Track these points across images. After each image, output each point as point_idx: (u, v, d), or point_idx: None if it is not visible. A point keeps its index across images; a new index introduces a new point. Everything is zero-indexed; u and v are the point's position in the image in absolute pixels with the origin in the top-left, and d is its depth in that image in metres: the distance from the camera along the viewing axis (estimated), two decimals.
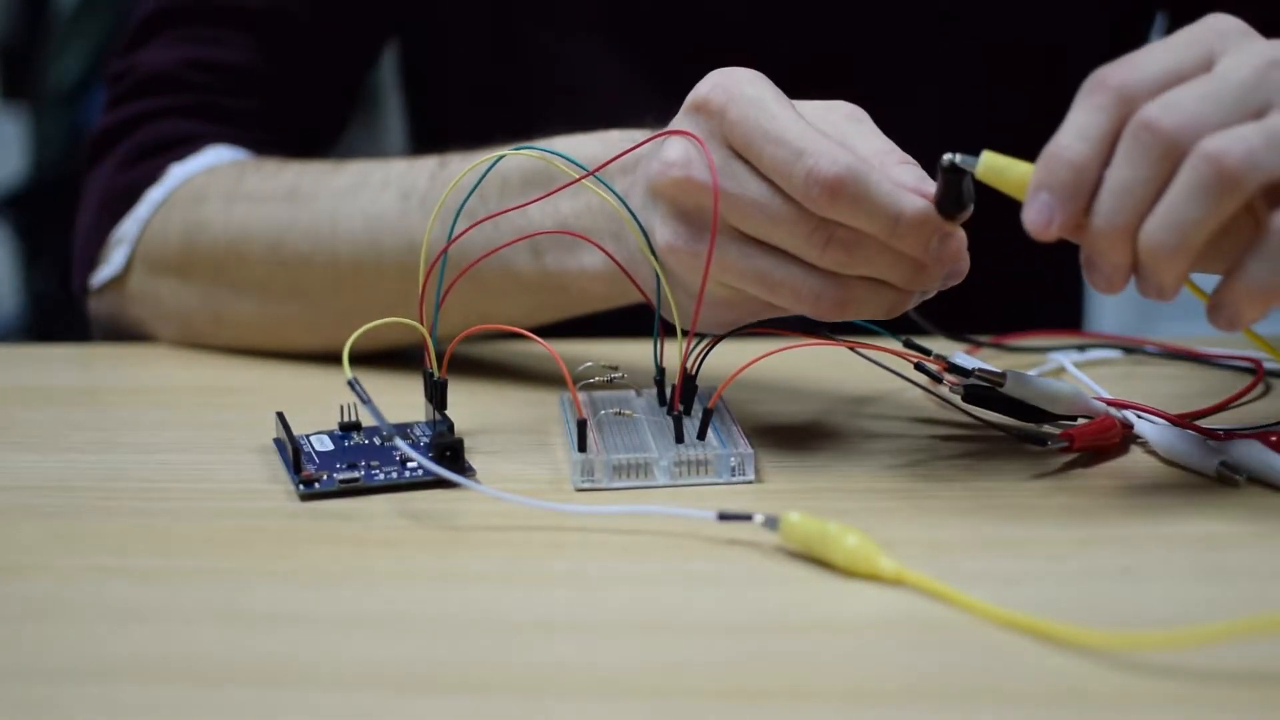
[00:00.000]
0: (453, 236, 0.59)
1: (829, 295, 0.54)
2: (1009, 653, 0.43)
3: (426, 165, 0.70)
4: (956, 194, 0.52)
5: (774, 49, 0.60)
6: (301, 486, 0.55)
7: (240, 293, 0.75)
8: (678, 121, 0.57)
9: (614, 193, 0.58)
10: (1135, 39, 0.86)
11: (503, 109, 0.89)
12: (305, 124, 0.87)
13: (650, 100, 0.61)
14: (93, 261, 0.81)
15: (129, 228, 0.79)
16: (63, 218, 0.92)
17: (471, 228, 0.61)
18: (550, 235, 0.64)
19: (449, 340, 0.59)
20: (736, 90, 0.55)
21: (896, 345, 0.60)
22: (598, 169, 0.58)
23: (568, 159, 0.58)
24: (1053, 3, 0.83)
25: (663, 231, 0.57)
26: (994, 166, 0.52)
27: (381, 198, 0.71)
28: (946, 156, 0.52)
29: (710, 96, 0.55)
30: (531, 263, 0.66)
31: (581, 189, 0.60)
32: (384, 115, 1.68)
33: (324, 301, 0.73)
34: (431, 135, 0.97)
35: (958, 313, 0.71)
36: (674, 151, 0.56)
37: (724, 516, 0.50)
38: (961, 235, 0.54)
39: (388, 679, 0.42)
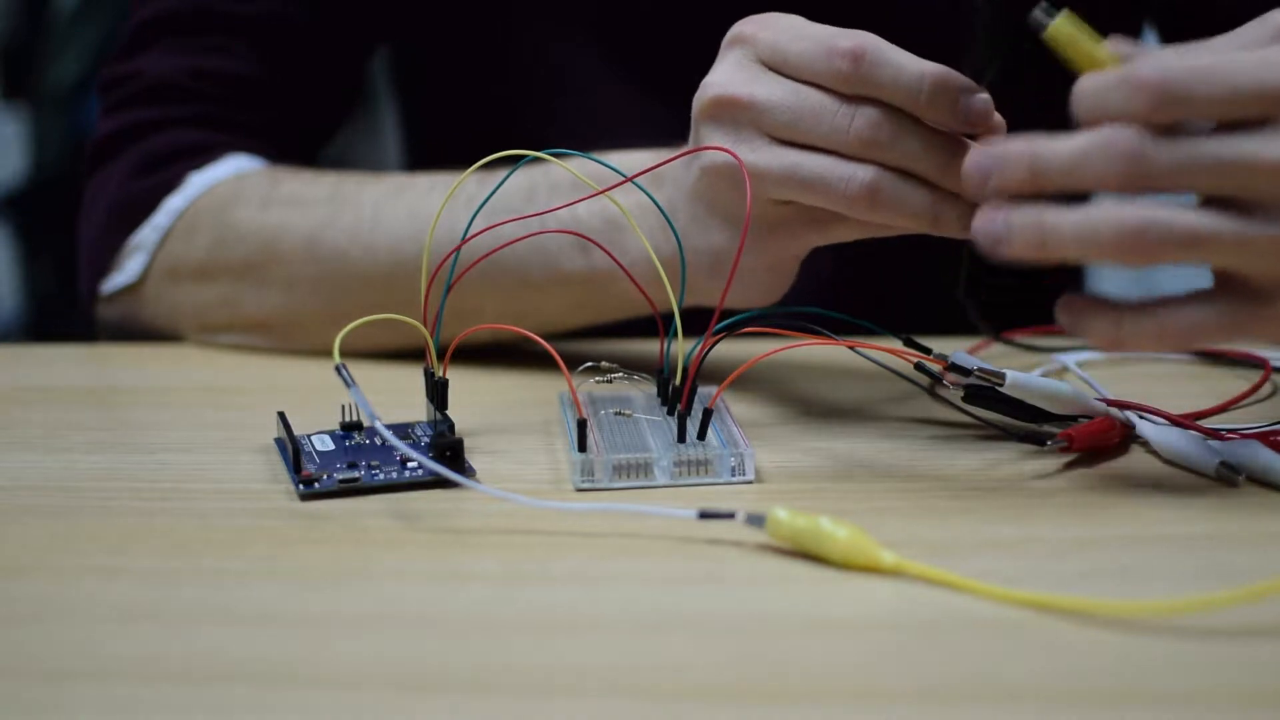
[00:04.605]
0: (466, 236, 0.60)
1: (859, 179, 0.56)
2: (1013, 647, 0.43)
3: (474, 172, 0.70)
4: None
5: None
6: (301, 486, 0.55)
7: (265, 289, 0.76)
8: (718, 61, 0.60)
9: (652, 199, 0.60)
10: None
11: (495, 110, 0.89)
12: (306, 127, 0.87)
13: (641, 101, 0.62)
14: (103, 268, 0.81)
15: (147, 235, 0.79)
16: (63, 218, 0.92)
17: (490, 228, 0.61)
18: (599, 234, 0.66)
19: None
20: (769, 18, 0.59)
21: (896, 345, 0.60)
22: (641, 173, 0.60)
23: (610, 166, 0.60)
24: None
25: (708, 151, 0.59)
26: (1067, 31, 0.51)
27: (429, 197, 0.73)
28: None
29: (743, 27, 0.59)
30: (580, 259, 0.68)
31: (627, 193, 0.61)
32: (380, 115, 1.68)
33: (353, 296, 0.74)
34: (425, 135, 0.97)
35: (957, 309, 0.71)
36: (714, 75, 0.59)
37: (705, 515, 0.50)
38: (987, 97, 0.56)
39: (388, 679, 0.42)
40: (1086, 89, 0.49)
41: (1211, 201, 0.48)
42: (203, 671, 0.42)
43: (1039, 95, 0.66)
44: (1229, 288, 0.49)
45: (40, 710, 0.40)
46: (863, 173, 0.56)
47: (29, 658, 0.43)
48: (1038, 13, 0.50)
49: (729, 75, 0.59)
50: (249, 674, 0.42)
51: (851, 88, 0.56)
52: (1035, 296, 0.71)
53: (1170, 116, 0.47)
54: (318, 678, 0.42)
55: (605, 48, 0.85)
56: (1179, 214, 0.47)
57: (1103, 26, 0.49)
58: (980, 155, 0.50)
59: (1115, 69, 0.49)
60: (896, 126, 0.56)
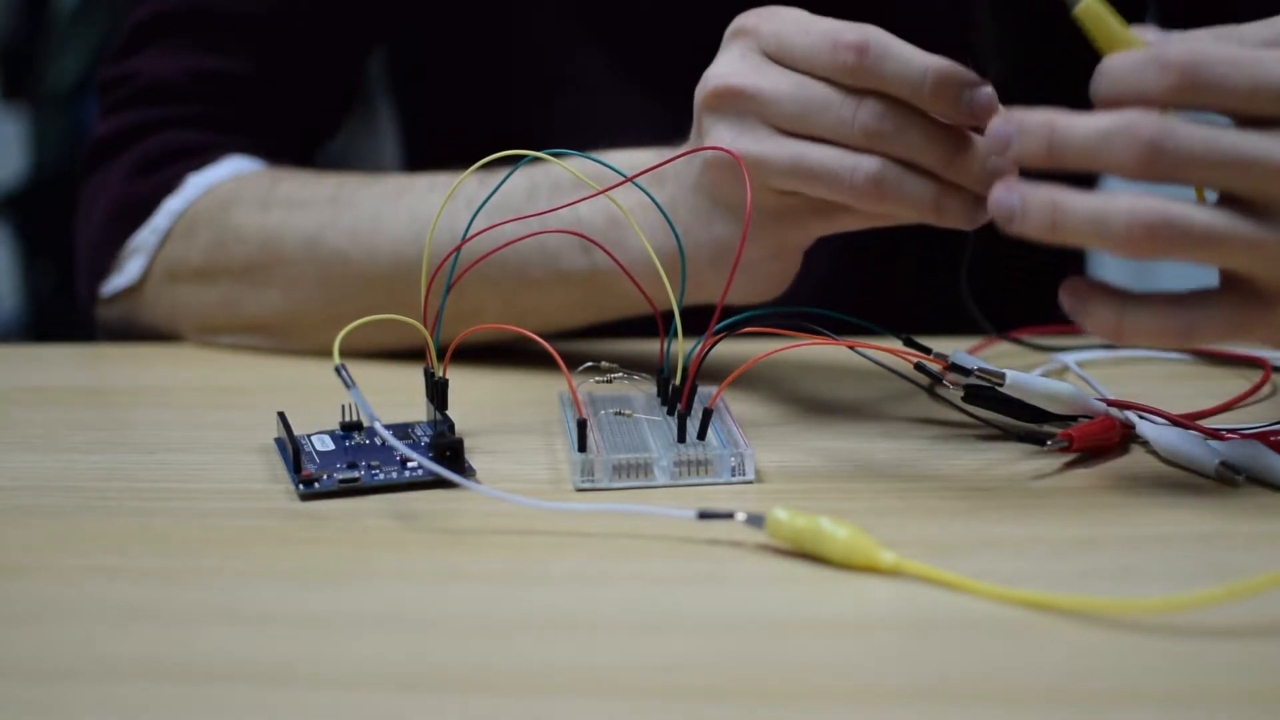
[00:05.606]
0: (467, 235, 0.60)
1: (864, 169, 0.56)
2: (1013, 647, 0.43)
3: (474, 172, 0.70)
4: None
5: None
6: (301, 486, 0.55)
7: (265, 290, 0.76)
8: (721, 53, 0.60)
9: (653, 199, 0.60)
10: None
11: (495, 110, 0.89)
12: (304, 127, 0.87)
13: (641, 101, 0.62)
14: (102, 270, 0.81)
15: (146, 237, 0.79)
16: (63, 218, 0.92)
17: (491, 228, 0.61)
18: (601, 233, 0.66)
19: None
20: (769, 11, 0.59)
21: (896, 345, 0.60)
22: (642, 173, 0.60)
23: (610, 166, 0.60)
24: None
25: (711, 141, 0.59)
26: (1096, 11, 0.50)
27: (429, 198, 0.73)
28: None
29: (746, 19, 0.59)
30: (582, 259, 0.68)
31: (628, 193, 0.61)
32: (379, 115, 1.68)
33: (353, 297, 0.74)
34: (424, 135, 0.97)
35: (957, 308, 0.71)
36: (717, 66, 0.59)
37: (704, 515, 0.50)
38: (991, 91, 0.55)
39: (388, 679, 0.42)
40: (1111, 66, 0.48)
41: (1225, 200, 0.48)
42: (203, 671, 0.42)
43: (1044, 96, 0.66)
44: (1234, 289, 0.49)
45: (40, 710, 0.40)
46: (867, 163, 0.56)
47: (29, 658, 0.43)
48: None
49: (732, 66, 0.59)
50: (249, 674, 0.42)
51: (856, 80, 0.56)
52: (1037, 293, 0.71)
53: (1195, 101, 0.47)
54: (318, 678, 0.42)
55: (605, 47, 0.85)
56: (1195, 211, 0.47)
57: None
58: (1002, 123, 0.49)
59: (1142, 50, 0.48)
60: (900, 118, 0.56)
